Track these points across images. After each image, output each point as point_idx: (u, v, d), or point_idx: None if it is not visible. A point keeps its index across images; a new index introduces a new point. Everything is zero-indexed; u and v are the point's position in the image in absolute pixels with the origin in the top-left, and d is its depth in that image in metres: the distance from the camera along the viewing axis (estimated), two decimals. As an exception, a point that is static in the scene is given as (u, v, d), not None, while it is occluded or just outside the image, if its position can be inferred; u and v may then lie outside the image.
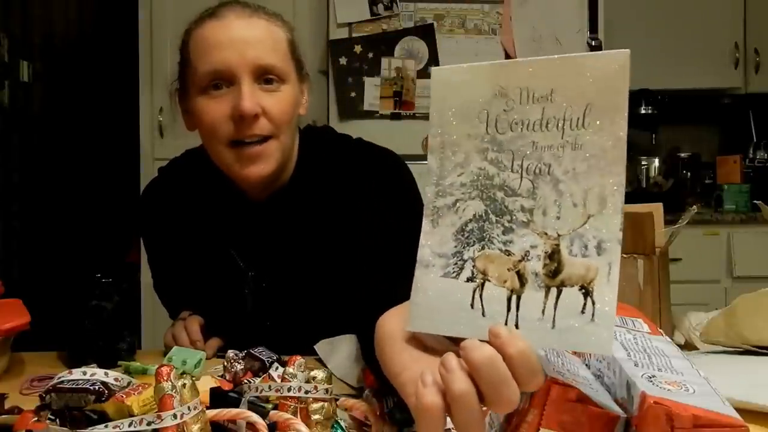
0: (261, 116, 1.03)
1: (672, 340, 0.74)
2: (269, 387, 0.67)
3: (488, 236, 0.51)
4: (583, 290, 0.48)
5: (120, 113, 3.15)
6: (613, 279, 0.47)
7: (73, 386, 0.67)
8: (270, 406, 0.68)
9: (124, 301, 1.05)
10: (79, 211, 3.23)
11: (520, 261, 0.50)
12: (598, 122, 0.47)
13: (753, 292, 0.96)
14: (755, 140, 3.24)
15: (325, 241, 1.11)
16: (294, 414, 0.64)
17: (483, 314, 0.51)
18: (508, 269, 0.50)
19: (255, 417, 0.62)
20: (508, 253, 0.50)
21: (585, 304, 0.48)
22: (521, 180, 0.50)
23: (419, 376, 0.47)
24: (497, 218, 0.51)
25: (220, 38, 1.03)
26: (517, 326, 0.50)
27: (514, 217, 0.50)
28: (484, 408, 0.46)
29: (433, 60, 2.67)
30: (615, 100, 0.48)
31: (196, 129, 1.09)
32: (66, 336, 1.03)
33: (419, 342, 0.56)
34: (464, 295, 0.52)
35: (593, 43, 2.62)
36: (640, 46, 2.98)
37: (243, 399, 0.68)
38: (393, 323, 0.60)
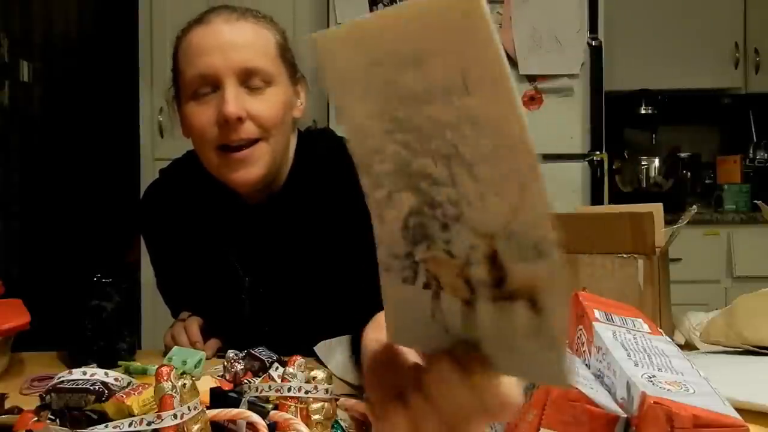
0: (246, 120, 1.02)
1: (672, 340, 0.74)
2: (269, 387, 0.67)
3: (430, 234, 0.41)
4: (532, 305, 0.38)
5: (120, 113, 3.15)
6: (559, 290, 0.37)
7: (73, 386, 0.67)
8: (270, 406, 0.68)
9: (124, 301, 1.05)
10: (79, 211, 3.23)
11: (465, 265, 0.40)
12: (479, 86, 0.36)
13: (753, 292, 0.96)
14: (755, 140, 3.24)
15: (321, 246, 1.11)
16: (294, 414, 0.64)
17: (445, 329, 0.43)
18: (456, 275, 0.41)
19: (255, 417, 0.62)
20: (451, 255, 0.41)
21: (538, 324, 0.38)
22: (436, 165, 0.39)
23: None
24: (431, 212, 0.41)
25: (206, 43, 1.03)
26: (478, 347, 0.41)
27: (445, 211, 0.40)
28: None
29: (433, 60, 2.67)
30: (483, 56, 0.35)
31: (190, 136, 1.09)
32: (66, 336, 1.03)
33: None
34: (424, 304, 0.43)
35: (593, 43, 2.63)
36: (640, 46, 2.98)
37: (243, 399, 0.68)
38: (374, 339, 0.57)
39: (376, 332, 0.54)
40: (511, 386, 0.42)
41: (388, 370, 0.46)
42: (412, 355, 0.48)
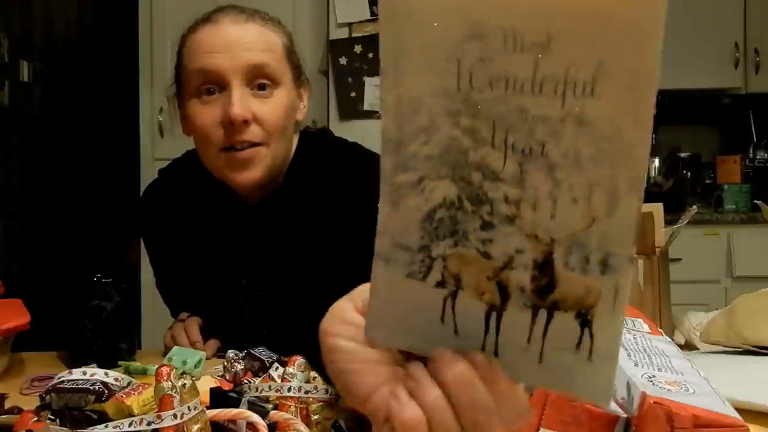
0: (252, 122, 1.02)
1: (672, 340, 0.74)
2: (269, 387, 0.68)
3: (462, 230, 0.39)
4: (580, 318, 0.37)
5: (120, 113, 3.15)
6: (620, 308, 0.36)
7: (73, 386, 0.67)
8: (270, 406, 0.68)
9: (124, 301, 1.05)
10: (79, 211, 3.23)
11: (501, 269, 0.39)
12: (614, 89, 0.34)
13: (753, 292, 0.97)
14: (755, 140, 3.23)
15: (318, 246, 1.10)
16: (294, 414, 0.64)
17: (455, 332, 0.41)
18: (488, 277, 0.39)
19: (255, 417, 0.62)
20: (487, 255, 0.39)
21: (581, 337, 0.38)
22: (505, 160, 0.37)
23: (389, 394, 0.42)
24: (474, 207, 0.38)
25: (212, 42, 1.03)
26: (496, 354, 0.40)
27: (495, 209, 0.38)
28: None
29: (433, 60, 2.67)
30: (639, 58, 0.33)
31: (192, 134, 1.09)
32: (66, 336, 1.04)
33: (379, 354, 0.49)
34: (433, 304, 0.41)
35: (593, 43, 2.63)
36: (640, 46, 2.98)
37: (243, 399, 0.68)
38: (332, 333, 0.55)
39: (336, 326, 0.52)
40: (525, 395, 0.41)
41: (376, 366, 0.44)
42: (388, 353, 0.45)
